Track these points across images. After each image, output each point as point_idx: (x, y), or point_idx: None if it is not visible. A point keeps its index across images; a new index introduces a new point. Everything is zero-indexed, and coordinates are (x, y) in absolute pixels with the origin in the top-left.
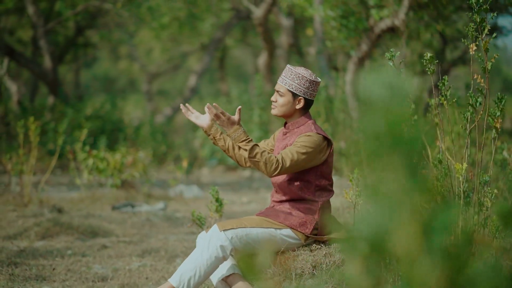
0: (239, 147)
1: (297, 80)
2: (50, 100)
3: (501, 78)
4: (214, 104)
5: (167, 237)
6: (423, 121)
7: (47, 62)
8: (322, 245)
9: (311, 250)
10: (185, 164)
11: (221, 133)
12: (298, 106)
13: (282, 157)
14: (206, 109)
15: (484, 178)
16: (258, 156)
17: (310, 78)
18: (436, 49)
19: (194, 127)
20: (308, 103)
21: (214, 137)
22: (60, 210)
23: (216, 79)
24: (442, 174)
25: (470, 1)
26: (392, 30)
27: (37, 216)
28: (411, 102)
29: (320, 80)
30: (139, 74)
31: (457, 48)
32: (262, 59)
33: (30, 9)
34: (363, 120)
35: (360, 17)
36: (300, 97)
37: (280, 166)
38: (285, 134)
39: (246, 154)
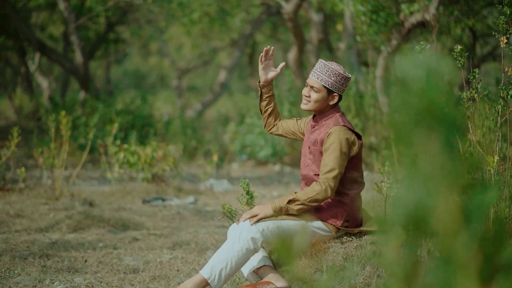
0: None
1: (333, 77)
2: (81, 95)
3: None
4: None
5: (197, 230)
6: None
7: (78, 57)
8: (353, 237)
9: (342, 243)
10: (215, 158)
11: (289, 200)
12: (331, 102)
13: (323, 180)
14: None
15: None
16: (309, 198)
17: (344, 74)
18: (466, 45)
19: (225, 121)
20: (340, 98)
21: (286, 210)
22: (91, 204)
23: (245, 75)
24: (473, 167)
25: None
26: (422, 25)
27: (68, 209)
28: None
29: (350, 76)
30: (169, 70)
31: (487, 44)
32: (292, 54)
33: (62, 5)
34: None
35: (391, 12)
36: (334, 93)
37: (328, 187)
38: (313, 127)
39: (302, 206)
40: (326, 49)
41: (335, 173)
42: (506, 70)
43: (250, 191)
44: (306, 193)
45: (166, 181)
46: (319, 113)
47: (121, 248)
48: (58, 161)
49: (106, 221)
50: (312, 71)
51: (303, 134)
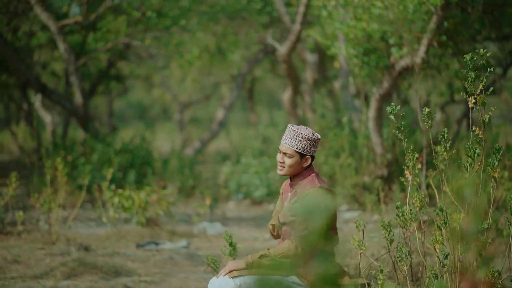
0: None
1: (304, 141)
2: (82, 131)
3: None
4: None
5: (188, 276)
6: None
7: (77, 98)
8: None
9: None
10: (207, 202)
11: (261, 255)
12: (305, 164)
13: (294, 238)
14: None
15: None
16: (279, 254)
17: (314, 137)
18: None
19: (223, 160)
20: (313, 159)
21: (258, 264)
22: (87, 248)
23: (247, 107)
24: (443, 222)
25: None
26: (412, 69)
27: (64, 254)
28: None
29: (320, 136)
30: (172, 103)
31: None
32: (287, 94)
33: (61, 47)
34: None
35: (382, 55)
36: (307, 156)
37: (299, 246)
38: (291, 186)
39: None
40: (324, 86)
41: (306, 232)
42: (474, 129)
43: (232, 242)
44: (278, 249)
45: (160, 225)
46: (295, 176)
47: None
48: (55, 206)
49: (99, 267)
50: (283, 138)
51: None
